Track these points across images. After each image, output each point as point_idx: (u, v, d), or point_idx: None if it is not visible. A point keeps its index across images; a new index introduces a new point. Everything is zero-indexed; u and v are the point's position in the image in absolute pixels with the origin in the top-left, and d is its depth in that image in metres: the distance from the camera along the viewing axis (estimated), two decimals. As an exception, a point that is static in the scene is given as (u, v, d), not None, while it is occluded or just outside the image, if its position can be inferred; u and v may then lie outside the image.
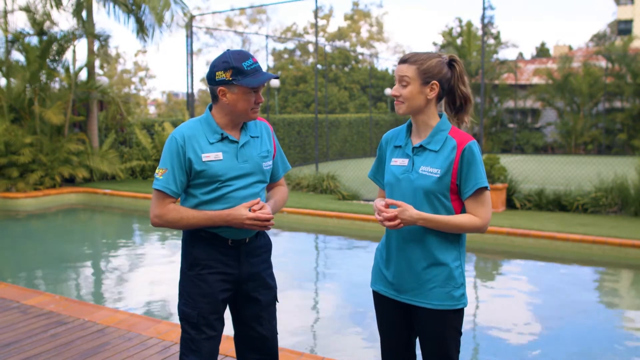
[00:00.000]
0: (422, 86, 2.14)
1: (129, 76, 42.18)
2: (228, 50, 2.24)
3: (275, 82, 24.60)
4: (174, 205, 2.24)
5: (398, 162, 2.22)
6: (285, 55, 38.26)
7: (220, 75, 2.18)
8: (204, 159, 2.20)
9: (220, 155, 2.22)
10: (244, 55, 2.19)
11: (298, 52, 38.63)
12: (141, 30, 13.87)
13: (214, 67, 2.21)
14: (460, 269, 2.18)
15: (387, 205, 2.13)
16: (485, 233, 7.69)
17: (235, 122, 2.27)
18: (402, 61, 2.19)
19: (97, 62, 14.52)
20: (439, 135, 2.16)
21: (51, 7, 13.16)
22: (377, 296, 2.32)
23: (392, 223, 2.08)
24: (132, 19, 13.82)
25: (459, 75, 2.20)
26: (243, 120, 2.28)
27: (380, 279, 2.29)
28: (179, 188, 2.23)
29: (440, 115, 2.22)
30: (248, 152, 2.28)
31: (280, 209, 2.45)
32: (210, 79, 2.22)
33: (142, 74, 43.09)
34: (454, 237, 2.17)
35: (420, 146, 2.18)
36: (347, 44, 41.18)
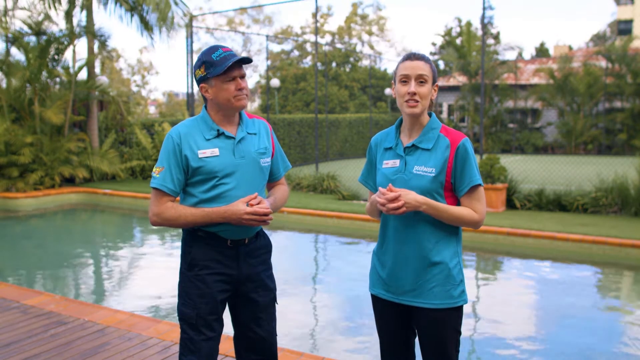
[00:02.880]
0: (431, 86, 2.14)
1: (129, 76, 42.21)
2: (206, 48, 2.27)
3: (275, 83, 24.63)
4: (172, 204, 2.24)
5: (389, 163, 2.21)
6: (284, 56, 38.24)
7: (198, 73, 2.23)
8: (200, 155, 2.21)
9: (216, 151, 2.23)
10: (213, 48, 2.22)
11: (297, 52, 38.61)
12: (147, 28, 13.88)
13: (194, 67, 2.27)
14: (459, 266, 2.17)
15: (390, 189, 2.08)
16: (485, 233, 7.72)
17: (228, 116, 2.28)
18: (418, 58, 2.13)
19: (97, 62, 14.50)
20: (431, 133, 2.16)
21: (49, 7, 13.15)
22: (375, 299, 2.31)
23: (395, 204, 2.02)
24: (135, 18, 13.83)
25: None
26: (232, 111, 2.27)
27: (378, 282, 2.28)
28: (176, 186, 2.23)
29: (430, 114, 2.22)
30: (245, 148, 2.28)
31: (280, 207, 2.44)
32: (195, 80, 2.27)
33: (144, 72, 43.14)
34: (450, 235, 2.16)
35: (413, 145, 2.17)
36: (348, 42, 41.15)
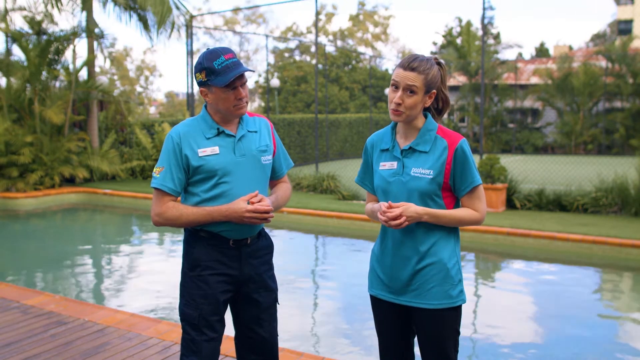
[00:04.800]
0: (424, 96, 2.12)
1: (134, 75, 42.26)
2: (207, 49, 2.24)
3: (275, 83, 24.61)
4: (173, 203, 2.24)
5: (387, 165, 2.20)
6: (286, 55, 38.25)
7: (198, 76, 2.21)
8: (200, 154, 2.21)
9: (216, 150, 2.23)
10: (215, 54, 2.18)
11: (298, 52, 38.60)
12: (145, 28, 13.92)
13: (194, 68, 2.25)
14: (457, 266, 2.18)
15: (389, 207, 2.10)
16: (485, 233, 7.73)
17: (227, 118, 2.28)
18: (410, 68, 2.08)
19: (97, 62, 14.52)
20: (427, 135, 2.16)
21: (52, 6, 13.15)
22: (374, 300, 2.31)
23: (397, 222, 2.05)
24: (134, 18, 13.85)
25: (443, 79, 2.20)
26: (231, 117, 2.28)
27: (376, 282, 2.28)
28: (177, 185, 2.23)
29: (425, 116, 2.21)
30: (246, 146, 2.28)
31: (282, 205, 2.45)
32: (195, 80, 2.26)
33: (147, 72, 43.17)
34: (449, 235, 2.17)
35: (410, 148, 2.16)
36: (350, 43, 41.14)
